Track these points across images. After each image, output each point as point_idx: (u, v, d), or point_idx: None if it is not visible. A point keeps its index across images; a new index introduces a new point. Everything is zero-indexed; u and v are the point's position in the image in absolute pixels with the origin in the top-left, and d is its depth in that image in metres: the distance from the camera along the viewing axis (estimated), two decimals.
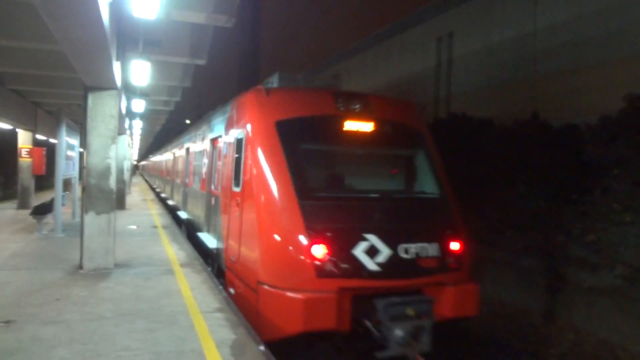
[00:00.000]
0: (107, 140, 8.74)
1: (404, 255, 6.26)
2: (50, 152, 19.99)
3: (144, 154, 76.99)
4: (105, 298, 7.07)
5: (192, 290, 7.57)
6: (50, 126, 21.82)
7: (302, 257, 5.98)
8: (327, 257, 5.99)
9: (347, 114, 7.19)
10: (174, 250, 11.02)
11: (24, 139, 19.48)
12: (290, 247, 6.06)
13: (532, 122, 10.67)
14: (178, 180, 17.27)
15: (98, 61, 6.86)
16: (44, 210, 13.36)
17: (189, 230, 13.07)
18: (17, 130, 19.34)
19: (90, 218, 8.72)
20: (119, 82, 8.89)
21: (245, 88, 8.14)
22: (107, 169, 8.79)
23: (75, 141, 15.19)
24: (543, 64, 12.89)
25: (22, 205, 19.04)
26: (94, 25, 5.25)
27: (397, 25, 20.26)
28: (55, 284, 7.82)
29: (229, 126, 8.50)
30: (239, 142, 7.61)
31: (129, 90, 13.73)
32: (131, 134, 28.45)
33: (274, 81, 8.36)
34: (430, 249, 6.45)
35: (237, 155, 7.63)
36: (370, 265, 6.09)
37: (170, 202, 19.88)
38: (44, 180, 31.12)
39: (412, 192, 7.51)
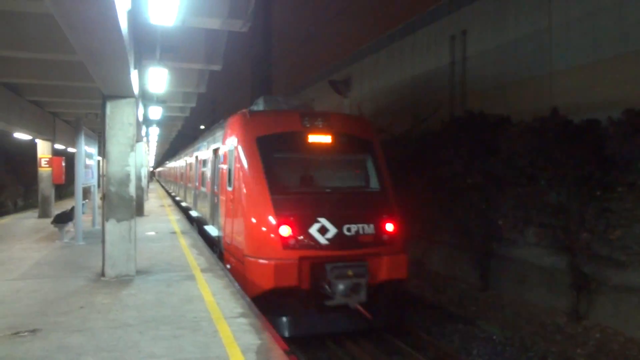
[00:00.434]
0: (126, 148, 8.79)
1: (347, 233, 8.62)
2: (69, 161, 20.27)
3: (160, 160, 77.58)
4: (128, 305, 7.10)
5: (214, 296, 7.57)
6: (69, 135, 22.12)
7: (273, 236, 8.42)
8: (291, 235, 8.39)
9: (311, 129, 9.58)
10: (193, 256, 11.05)
11: (43, 148, 19.73)
12: (264, 229, 8.53)
13: (552, 117, 10.52)
14: (189, 184, 19.82)
15: (116, 70, 6.90)
16: (65, 218, 13.51)
17: (199, 226, 15.45)
18: (36, 140, 19.60)
19: (111, 225, 8.78)
20: (136, 90, 8.95)
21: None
22: (127, 177, 8.84)
23: (93, 150, 15.34)
24: (559, 59, 12.73)
25: (43, 214, 19.28)
26: (113, 35, 5.28)
27: (410, 25, 20.17)
28: (78, 291, 7.88)
29: (224, 139, 11.05)
30: (230, 152, 10.17)
31: (146, 98, 13.85)
32: (147, 141, 28.69)
33: (260, 102, 10.94)
34: (368, 229, 8.79)
35: (230, 163, 10.18)
36: (322, 240, 8.47)
37: (183, 204, 22.85)
38: (62, 189, 31.55)
39: (358, 187, 9.81)
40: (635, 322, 8.50)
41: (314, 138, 9.58)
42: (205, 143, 15.19)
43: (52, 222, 13.51)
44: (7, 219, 19.55)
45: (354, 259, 8.55)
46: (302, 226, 8.48)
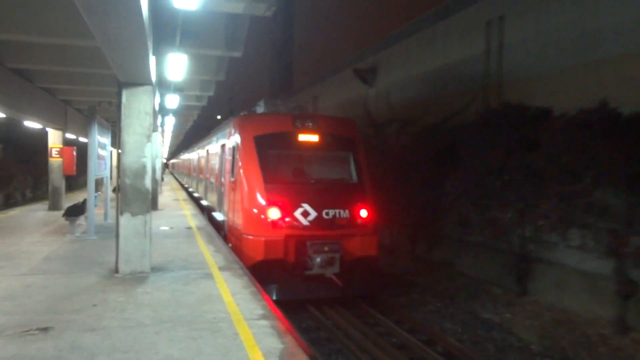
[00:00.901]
0: (142, 138, 8.85)
1: (325, 216, 10.99)
2: (80, 152, 20.53)
3: (174, 151, 78.29)
4: (143, 304, 7.15)
5: (234, 296, 7.59)
6: (80, 125, 22.42)
7: (264, 217, 10.87)
8: (279, 217, 10.81)
9: (301, 130, 11.93)
10: (210, 253, 11.12)
11: (54, 138, 20.01)
12: (258, 212, 10.98)
13: (600, 109, 10.27)
14: (201, 176, 22.65)
15: (135, 56, 6.93)
16: (76, 211, 13.69)
17: (208, 214, 17.94)
18: (47, 129, 19.89)
19: (125, 220, 8.85)
20: (153, 77, 8.99)
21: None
22: (143, 168, 8.89)
23: (106, 140, 15.52)
24: (610, 45, 12.41)
25: (53, 207, 19.59)
26: (133, 18, 5.28)
27: (442, 10, 19.90)
28: (91, 288, 7.97)
29: (228, 136, 13.58)
30: (233, 148, 12.74)
31: (163, 86, 13.96)
32: (162, 131, 28.95)
33: (261, 104, 13.70)
34: (343, 213, 11.17)
35: (232, 157, 12.79)
36: (304, 222, 10.87)
37: (195, 195, 25.68)
38: (73, 181, 32.02)
39: (339, 179, 12.21)
40: None
41: (303, 137, 11.95)
42: (214, 138, 17.84)
43: (64, 215, 13.70)
44: (16, 211, 19.92)
45: (330, 238, 10.94)
46: (288, 210, 10.89)
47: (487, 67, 16.70)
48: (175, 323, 6.33)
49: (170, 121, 24.60)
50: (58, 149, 19.93)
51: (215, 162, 16.94)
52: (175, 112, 20.22)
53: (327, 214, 11.01)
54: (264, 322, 6.39)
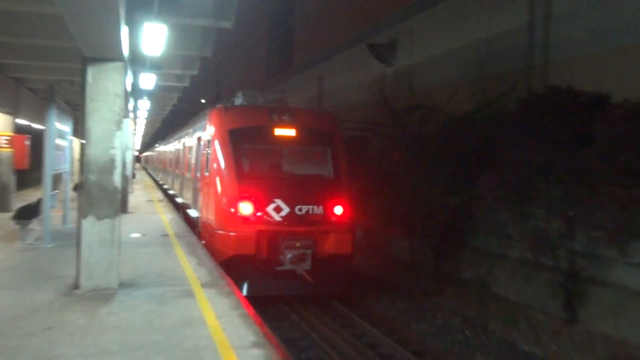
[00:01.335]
0: (111, 125, 8.84)
1: (298, 212, 12.89)
2: (35, 141, 20.56)
3: (148, 142, 78.43)
4: (109, 327, 7.15)
5: (220, 319, 7.57)
6: (35, 108, 22.44)
7: (235, 212, 12.74)
8: (251, 212, 12.70)
9: (277, 124, 13.87)
10: (192, 266, 11.13)
11: (3, 124, 20.03)
12: (230, 207, 12.86)
13: None
14: (177, 171, 24.89)
15: (103, 25, 6.91)
16: (29, 214, 13.68)
17: (184, 212, 20.07)
18: None
19: (89, 224, 8.84)
20: (126, 52, 8.98)
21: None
22: (111, 162, 8.88)
23: (66, 127, 15.52)
24: None
25: (1, 207, 19.59)
26: None
27: None
28: (46, 307, 7.98)
29: (204, 129, 15.64)
30: (208, 142, 14.56)
31: (137, 62, 13.97)
32: (135, 118, 28.95)
33: (239, 96, 15.91)
34: (317, 210, 13.06)
35: (207, 151, 14.66)
36: (277, 217, 12.77)
37: (171, 192, 27.57)
38: (26, 176, 32.05)
39: (315, 174, 14.18)
40: None
41: (279, 131, 13.85)
42: (192, 130, 20.06)
43: (13, 218, 13.70)
44: None
45: (303, 234, 12.84)
46: (260, 205, 12.73)
47: (531, 44, 16.63)
48: (148, 351, 6.31)
49: (144, 105, 24.59)
50: (7, 138, 19.95)
51: (191, 156, 19.01)
52: (151, 95, 20.22)
53: (300, 209, 12.91)
54: (256, 352, 6.36)
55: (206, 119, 15.55)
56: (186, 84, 22.13)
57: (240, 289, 11.55)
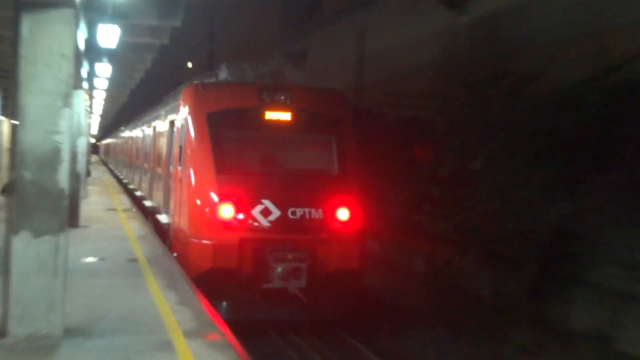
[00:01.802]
0: (55, 99, 8.80)
1: (292, 217, 14.03)
2: None
3: (110, 126, 79.11)
4: None
5: None
6: None
7: (213, 215, 13.90)
8: (232, 216, 13.78)
9: (269, 105, 15.13)
10: (170, 305, 11.14)
11: None
12: (206, 209, 14.11)
13: None
14: (145, 165, 26.97)
15: None
16: None
17: (152, 217, 22.23)
18: None
19: (23, 243, 8.79)
20: None
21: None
22: (55, 153, 8.84)
23: None
24: None
25: None
26: None
27: None
28: None
29: (177, 111, 17.23)
30: (182, 128, 16.09)
31: (94, 10, 14.00)
32: (91, 89, 29.03)
33: (223, 68, 17.37)
34: (315, 214, 14.17)
35: (180, 139, 16.17)
36: (264, 222, 13.92)
37: (138, 193, 29.68)
38: None
39: (314, 170, 15.60)
40: None
41: (271, 115, 15.22)
42: (163, 112, 21.84)
43: None
44: None
45: (296, 244, 14.01)
46: (244, 207, 13.90)
47: None
48: None
49: (104, 72, 24.61)
50: None
51: (162, 146, 20.83)
52: (114, 56, 20.25)
53: (293, 213, 14.15)
54: None
55: (179, 99, 16.84)
56: (165, 40, 22.14)
57: (217, 310, 11.93)
